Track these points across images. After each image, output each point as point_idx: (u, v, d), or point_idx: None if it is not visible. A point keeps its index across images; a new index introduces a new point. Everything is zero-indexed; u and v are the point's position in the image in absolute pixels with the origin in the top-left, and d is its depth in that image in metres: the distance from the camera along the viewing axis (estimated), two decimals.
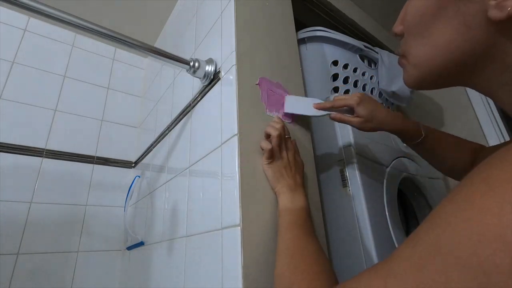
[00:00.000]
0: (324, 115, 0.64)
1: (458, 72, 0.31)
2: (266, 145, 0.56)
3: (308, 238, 0.47)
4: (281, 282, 0.41)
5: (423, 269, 0.21)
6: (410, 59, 0.35)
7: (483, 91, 0.32)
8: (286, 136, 0.59)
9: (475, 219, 0.20)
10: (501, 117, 1.30)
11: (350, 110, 0.62)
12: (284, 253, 0.45)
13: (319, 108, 0.65)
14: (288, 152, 0.58)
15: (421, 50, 0.33)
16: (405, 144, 0.64)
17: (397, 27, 0.38)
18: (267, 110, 0.65)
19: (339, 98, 0.63)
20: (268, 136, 0.59)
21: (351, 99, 0.61)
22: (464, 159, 0.58)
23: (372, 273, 0.26)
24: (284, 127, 0.59)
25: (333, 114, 0.63)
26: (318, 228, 0.64)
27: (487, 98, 1.32)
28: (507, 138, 1.25)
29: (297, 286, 0.38)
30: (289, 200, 0.52)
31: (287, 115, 0.69)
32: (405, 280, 0.22)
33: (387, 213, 0.76)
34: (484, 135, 1.30)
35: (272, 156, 0.56)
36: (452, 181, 1.36)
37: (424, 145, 0.60)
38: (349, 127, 0.82)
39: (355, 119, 0.61)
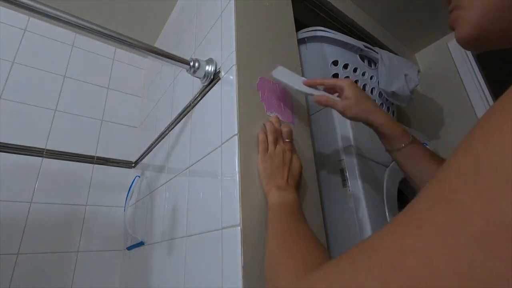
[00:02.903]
0: (310, 93, 0.61)
1: None
2: (262, 136, 0.58)
3: (299, 222, 0.45)
4: (271, 263, 0.39)
5: (458, 202, 0.17)
6: (466, 1, 0.31)
7: None
8: (287, 140, 0.58)
9: None
10: None
11: (338, 96, 0.60)
12: (273, 235, 0.44)
13: (309, 83, 0.62)
14: (285, 153, 0.56)
15: None
16: (386, 150, 0.58)
17: None
18: (267, 110, 0.65)
19: (330, 78, 0.61)
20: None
21: (342, 80, 0.59)
22: None
23: (388, 227, 0.22)
24: (279, 126, 0.59)
25: (318, 96, 0.60)
26: (318, 228, 0.64)
27: (487, 98, 1.32)
28: None
29: (287, 263, 0.36)
30: (276, 196, 0.51)
31: (288, 114, 0.69)
32: (435, 221, 0.18)
33: (387, 213, 0.76)
34: None
35: (266, 149, 0.57)
36: None
37: (407, 153, 0.54)
38: (349, 127, 0.82)
39: (341, 102, 0.58)
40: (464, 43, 0.32)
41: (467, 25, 0.31)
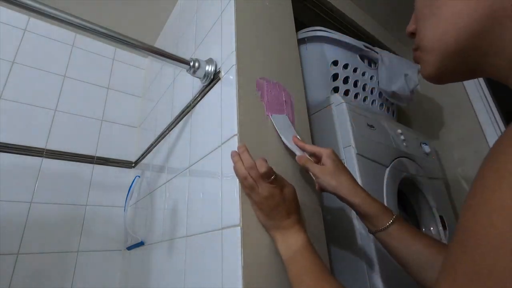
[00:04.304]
0: (293, 150, 0.61)
1: (475, 48, 0.29)
2: (241, 184, 0.53)
3: (323, 280, 0.43)
4: None
5: None
6: (424, 44, 0.34)
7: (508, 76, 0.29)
8: (272, 177, 0.50)
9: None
10: (501, 117, 1.30)
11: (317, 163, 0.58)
12: None
13: (294, 142, 0.62)
14: (273, 194, 0.50)
15: (433, 29, 0.32)
16: (369, 232, 0.53)
17: (411, 26, 0.37)
18: (267, 111, 0.65)
19: (312, 145, 0.60)
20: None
21: (323, 149, 0.57)
22: (437, 264, 0.44)
23: None
24: (251, 164, 0.50)
25: (299, 156, 0.59)
26: (317, 229, 0.64)
27: (487, 97, 1.33)
28: None
29: None
30: (285, 248, 0.49)
31: (287, 113, 0.69)
32: None
33: None
34: (484, 135, 1.30)
35: (249, 195, 0.53)
36: (451, 181, 1.36)
37: (392, 234, 0.49)
38: (349, 127, 0.82)
39: (318, 166, 0.56)
40: (429, 80, 0.36)
41: (428, 67, 0.34)
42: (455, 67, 0.32)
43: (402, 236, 0.49)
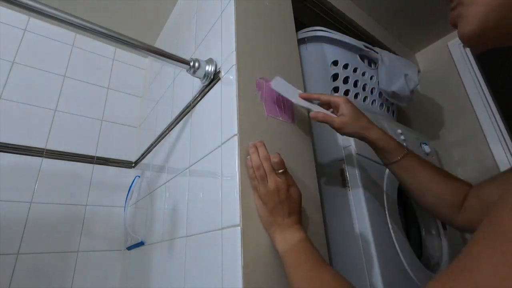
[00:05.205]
0: (306, 107, 0.62)
1: None
2: (251, 173, 0.54)
3: (319, 269, 0.44)
4: None
5: None
6: None
7: None
8: (280, 171, 0.52)
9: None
10: (501, 117, 1.30)
11: (332, 112, 0.62)
12: None
13: (304, 97, 0.63)
14: (280, 189, 0.51)
15: None
16: (383, 164, 0.61)
17: None
18: (267, 112, 0.65)
19: (326, 94, 0.62)
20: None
21: (337, 97, 0.60)
22: (448, 195, 0.52)
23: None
24: (266, 154, 0.54)
25: (315, 112, 0.61)
26: (318, 228, 0.64)
27: (487, 97, 1.32)
28: (507, 138, 1.25)
29: None
30: (282, 243, 0.49)
31: (288, 114, 0.69)
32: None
33: (387, 213, 0.76)
34: (484, 135, 1.30)
35: (257, 187, 0.53)
36: None
37: (403, 165, 0.56)
38: None
39: (337, 118, 0.59)
40: (467, 40, 0.32)
41: (470, 21, 0.31)
42: (499, 23, 0.29)
43: (413, 167, 0.56)
